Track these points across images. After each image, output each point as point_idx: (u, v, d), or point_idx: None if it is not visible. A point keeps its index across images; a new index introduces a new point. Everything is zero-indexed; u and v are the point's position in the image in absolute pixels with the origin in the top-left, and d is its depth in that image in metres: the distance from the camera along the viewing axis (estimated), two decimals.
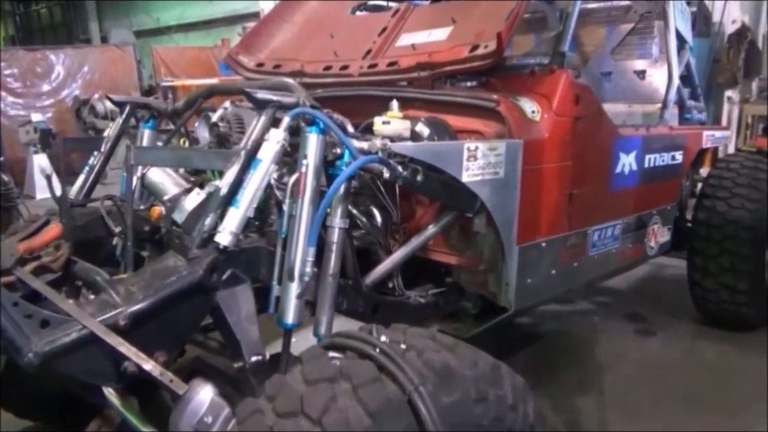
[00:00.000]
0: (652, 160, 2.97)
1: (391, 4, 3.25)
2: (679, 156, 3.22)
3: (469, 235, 2.28)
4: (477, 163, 1.98)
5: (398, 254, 2.22)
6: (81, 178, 2.43)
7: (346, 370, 1.30)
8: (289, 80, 2.00)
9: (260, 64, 3.15)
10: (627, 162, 2.76)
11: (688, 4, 3.59)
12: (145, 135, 2.54)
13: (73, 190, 2.44)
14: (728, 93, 6.73)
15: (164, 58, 11.09)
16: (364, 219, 2.32)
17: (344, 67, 2.74)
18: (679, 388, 3.02)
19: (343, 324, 2.03)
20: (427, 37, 2.55)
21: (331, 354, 1.40)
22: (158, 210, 2.10)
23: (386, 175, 1.90)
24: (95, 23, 17.44)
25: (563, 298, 3.86)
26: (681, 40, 3.38)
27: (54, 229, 1.74)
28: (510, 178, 2.10)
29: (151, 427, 1.66)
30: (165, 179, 1.95)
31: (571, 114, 2.33)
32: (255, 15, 11.81)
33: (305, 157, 1.75)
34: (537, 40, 3.80)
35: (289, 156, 1.86)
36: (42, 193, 8.21)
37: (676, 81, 3.29)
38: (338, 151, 1.86)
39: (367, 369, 1.30)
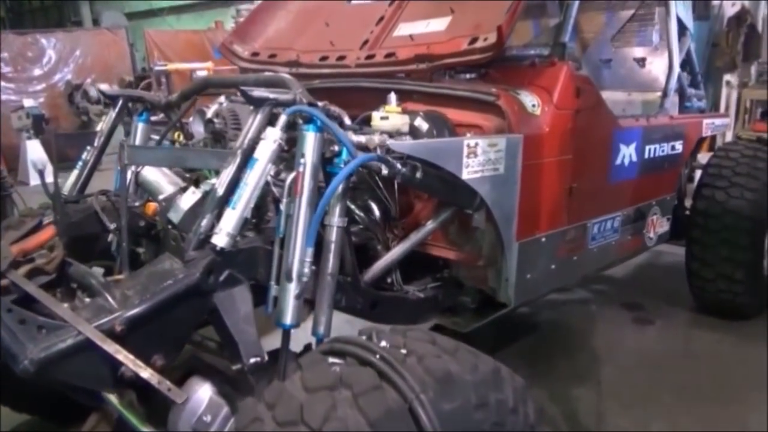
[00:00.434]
0: (652, 150, 2.95)
1: None
2: (679, 146, 3.19)
3: (468, 230, 2.26)
4: (477, 159, 1.95)
5: (397, 250, 2.20)
6: (74, 173, 2.39)
7: (346, 378, 1.29)
8: (285, 75, 1.96)
9: (255, 54, 3.09)
10: (627, 153, 2.73)
11: None
12: (139, 128, 2.50)
13: (67, 186, 2.41)
14: (727, 77, 6.69)
15: (157, 42, 10.93)
16: (361, 214, 2.29)
17: (341, 58, 2.69)
18: (677, 377, 3.03)
19: (341, 320, 2.03)
20: (424, 28, 2.51)
21: (331, 360, 1.39)
22: (153, 206, 2.07)
23: (385, 172, 1.88)
24: (86, 5, 17.16)
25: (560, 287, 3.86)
26: (682, 26, 3.34)
27: (48, 230, 1.71)
28: (510, 173, 2.07)
29: (149, 426, 1.65)
30: (160, 177, 1.91)
31: (571, 107, 2.30)
32: None
33: (303, 155, 1.72)
34: (535, 27, 3.75)
35: (285, 151, 1.83)
36: (36, 179, 8.14)
37: (677, 69, 3.25)
38: (336, 148, 1.83)
39: (367, 376, 1.29)
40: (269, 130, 1.71)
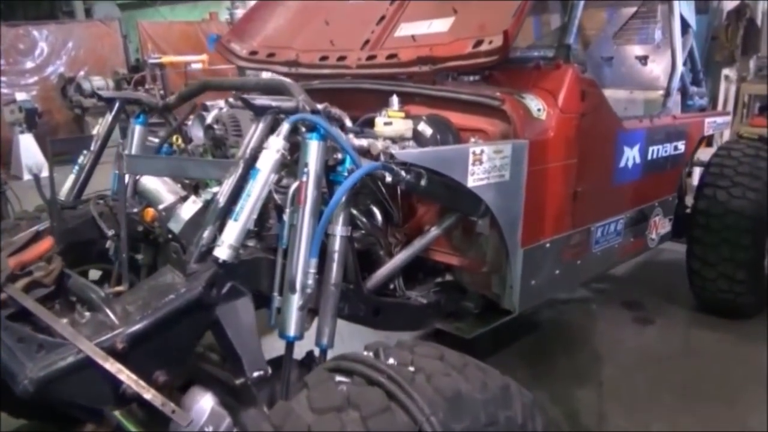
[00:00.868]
0: (656, 151, 2.92)
1: None
2: (681, 146, 3.17)
3: (472, 236, 2.23)
4: (482, 167, 1.92)
5: (400, 257, 2.17)
6: (71, 178, 2.35)
7: (354, 399, 1.26)
8: (287, 80, 1.92)
9: (253, 52, 3.04)
10: (631, 155, 2.70)
11: None
12: (136, 131, 2.45)
13: (63, 191, 2.36)
14: (726, 71, 6.65)
15: (151, 33, 10.79)
16: (363, 219, 2.26)
17: (341, 58, 2.64)
18: (678, 377, 3.03)
19: (341, 323, 2.00)
20: (427, 28, 2.46)
21: (338, 378, 1.36)
22: (152, 212, 2.03)
23: (389, 179, 1.85)
24: None
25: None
26: (685, 24, 3.30)
27: (45, 242, 1.67)
28: (515, 180, 2.04)
29: None
30: (159, 186, 1.87)
31: (576, 110, 2.27)
32: None
33: (306, 165, 1.69)
34: (536, 23, 3.71)
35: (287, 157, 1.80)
36: (29, 173, 8.06)
37: (680, 68, 3.21)
38: (339, 156, 1.80)
39: (376, 397, 1.26)
40: (272, 139, 1.67)
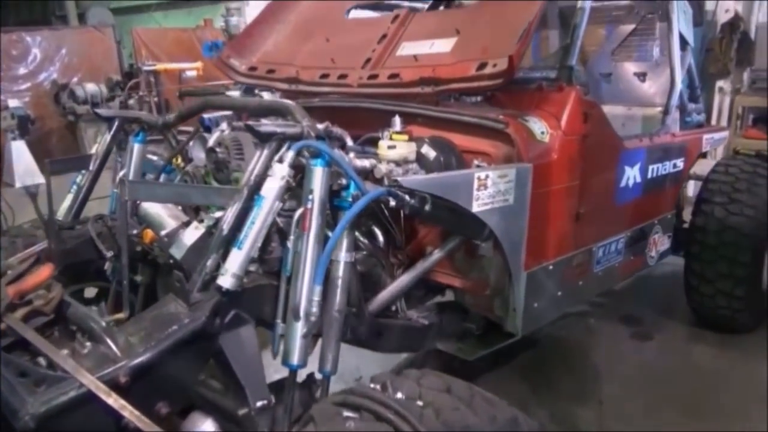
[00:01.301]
0: (656, 170, 2.93)
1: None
2: (680, 163, 3.18)
3: (474, 258, 2.22)
4: (487, 191, 1.91)
5: (403, 279, 2.15)
6: (69, 197, 2.32)
7: None
8: (291, 103, 1.90)
9: (253, 68, 3.02)
10: (632, 175, 2.71)
11: None
12: (135, 149, 2.43)
13: (61, 210, 2.34)
14: (720, 83, 6.70)
15: (145, 40, 10.72)
16: (365, 240, 2.24)
17: (342, 76, 2.63)
18: (678, 394, 3.02)
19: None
20: (429, 48, 2.45)
21: (346, 414, 1.34)
22: (150, 233, 2.01)
23: (393, 203, 1.83)
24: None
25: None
26: (683, 41, 3.31)
27: (45, 269, 1.64)
28: (519, 203, 2.03)
29: None
30: (161, 211, 1.85)
31: (579, 132, 2.27)
32: None
33: (311, 191, 1.67)
34: (535, 40, 3.71)
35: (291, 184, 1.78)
36: (22, 181, 7.99)
37: (679, 86, 3.23)
38: (344, 181, 1.78)
39: None
40: (276, 166, 1.65)
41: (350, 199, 1.78)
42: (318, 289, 1.68)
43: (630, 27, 3.69)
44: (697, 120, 3.62)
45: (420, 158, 2.04)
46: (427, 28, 2.58)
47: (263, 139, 1.68)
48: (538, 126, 2.15)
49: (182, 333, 1.50)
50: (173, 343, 1.48)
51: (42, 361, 1.51)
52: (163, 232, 1.79)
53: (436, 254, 2.16)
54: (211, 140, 1.97)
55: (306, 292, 1.66)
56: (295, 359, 1.67)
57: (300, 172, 1.76)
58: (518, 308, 2.15)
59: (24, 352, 1.58)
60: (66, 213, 2.33)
